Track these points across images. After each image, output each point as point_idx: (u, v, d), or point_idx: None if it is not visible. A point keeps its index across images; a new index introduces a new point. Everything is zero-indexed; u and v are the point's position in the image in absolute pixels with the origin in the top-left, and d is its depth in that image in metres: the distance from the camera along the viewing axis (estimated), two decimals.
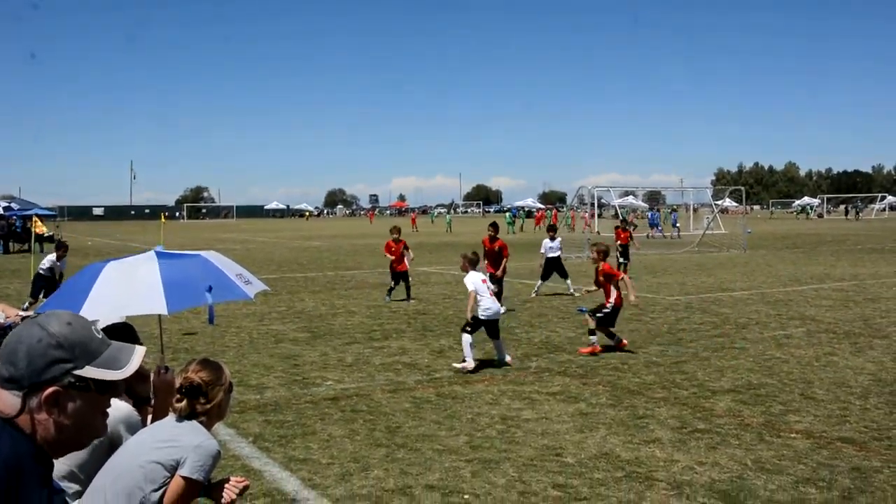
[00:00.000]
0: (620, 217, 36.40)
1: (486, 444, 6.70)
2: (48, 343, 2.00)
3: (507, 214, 69.17)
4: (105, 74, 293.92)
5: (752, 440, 6.71)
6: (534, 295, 17.32)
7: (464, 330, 9.91)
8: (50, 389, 1.97)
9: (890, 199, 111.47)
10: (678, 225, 48.24)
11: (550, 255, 17.87)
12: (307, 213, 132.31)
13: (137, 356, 2.21)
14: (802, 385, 8.69)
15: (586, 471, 5.99)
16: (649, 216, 50.61)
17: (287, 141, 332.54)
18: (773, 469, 5.97)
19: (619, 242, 21.79)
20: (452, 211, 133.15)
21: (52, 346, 2.00)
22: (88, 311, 3.94)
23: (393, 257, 16.71)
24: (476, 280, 10.08)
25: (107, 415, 2.15)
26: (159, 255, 4.32)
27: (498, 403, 8.04)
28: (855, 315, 14.02)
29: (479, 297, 9.93)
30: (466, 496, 5.49)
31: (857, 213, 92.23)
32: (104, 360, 2.08)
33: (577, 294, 16.76)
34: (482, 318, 9.91)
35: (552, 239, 18.11)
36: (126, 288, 4.20)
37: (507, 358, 10.00)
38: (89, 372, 2.02)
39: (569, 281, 17.83)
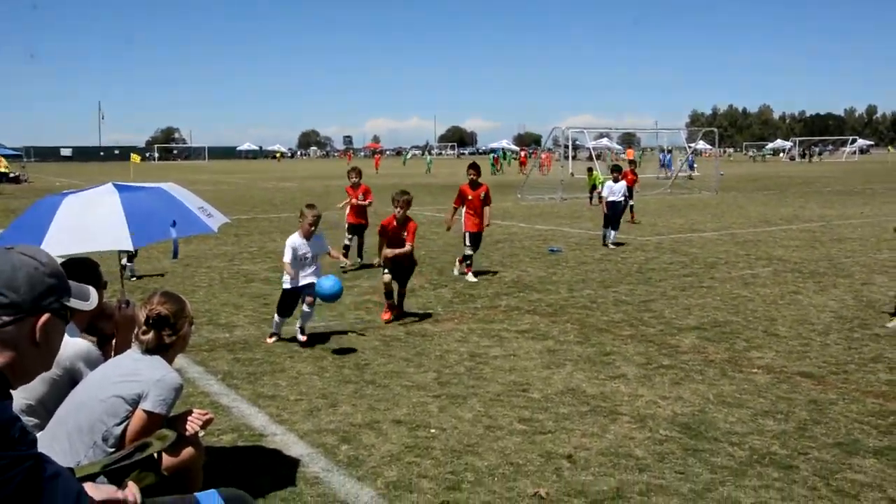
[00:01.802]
0: (628, 160, 35.29)
1: (454, 380, 6.77)
2: (44, 272, 2.08)
3: (491, 156, 67.86)
4: (72, 12, 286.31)
5: (714, 375, 6.84)
6: (611, 246, 15.37)
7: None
8: (46, 316, 2.07)
9: (860, 142, 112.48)
10: (695, 166, 47.96)
11: (611, 198, 15.94)
12: (279, 155, 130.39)
13: (93, 290, 2.39)
14: (766, 322, 8.84)
15: (552, 405, 6.08)
16: (661, 158, 50.09)
17: (260, 82, 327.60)
18: (734, 403, 6.10)
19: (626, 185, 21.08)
20: (428, 153, 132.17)
21: (47, 275, 2.09)
22: (51, 243, 3.88)
23: (350, 205, 13.65)
24: (293, 242, 8.09)
25: None
26: (118, 187, 4.24)
27: (467, 341, 8.11)
28: (820, 255, 14.23)
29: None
30: (433, 430, 5.57)
31: (811, 156, 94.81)
32: (76, 293, 2.21)
33: (612, 248, 15.28)
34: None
35: (615, 181, 16.34)
36: (88, 223, 4.13)
37: (301, 337, 8.04)
38: (72, 303, 2.16)
39: (614, 233, 15.77)
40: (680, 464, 4.93)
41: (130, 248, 3.99)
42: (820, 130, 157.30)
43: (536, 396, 6.31)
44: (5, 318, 2.00)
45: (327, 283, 7.74)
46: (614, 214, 15.91)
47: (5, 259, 2.07)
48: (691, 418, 5.77)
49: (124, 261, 11.12)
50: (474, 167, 12.66)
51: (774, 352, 7.61)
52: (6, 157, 42.89)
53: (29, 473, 2.00)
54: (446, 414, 5.91)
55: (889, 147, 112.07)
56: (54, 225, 4.02)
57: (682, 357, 7.45)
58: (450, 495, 4.50)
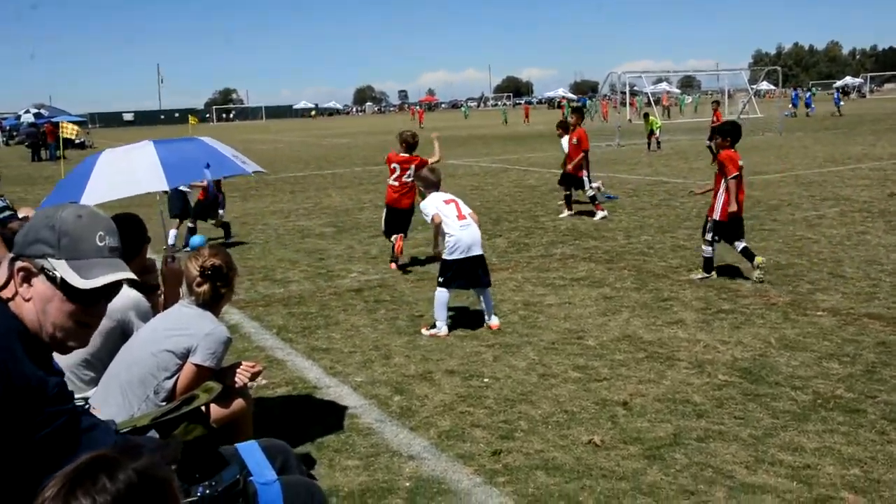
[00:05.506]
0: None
1: (507, 329, 6.71)
2: (46, 223, 2.02)
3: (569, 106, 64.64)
4: None
5: (776, 319, 6.63)
6: None
7: (439, 283, 6.77)
8: (22, 262, 1.99)
9: None
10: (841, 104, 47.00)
11: None
12: (314, 113, 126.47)
13: (115, 277, 2.06)
14: (832, 264, 8.54)
15: (607, 352, 5.98)
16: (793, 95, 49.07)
17: (315, 40, 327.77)
18: (797, 346, 5.91)
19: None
20: (482, 104, 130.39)
21: (46, 226, 2.01)
22: (90, 194, 3.94)
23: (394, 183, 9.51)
24: (437, 202, 6.99)
25: (86, 327, 2.08)
26: (155, 142, 4.27)
27: (521, 290, 8.03)
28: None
29: (444, 227, 6.81)
30: (486, 379, 5.52)
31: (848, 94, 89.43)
32: (79, 265, 2.00)
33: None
34: (448, 258, 6.76)
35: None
36: (124, 169, 4.18)
37: (494, 321, 6.79)
38: (58, 265, 1.98)
39: None
40: (740, 409, 4.80)
41: (166, 187, 4.03)
42: (894, 64, 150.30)
43: (592, 344, 6.21)
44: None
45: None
46: None
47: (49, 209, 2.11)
48: (752, 363, 5.61)
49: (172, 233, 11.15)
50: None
51: (841, 294, 7.35)
52: (72, 123, 43.83)
53: (64, 426, 2.02)
54: (500, 363, 5.86)
55: None
56: (93, 177, 4.07)
57: (743, 301, 7.24)
58: (503, 444, 4.46)
